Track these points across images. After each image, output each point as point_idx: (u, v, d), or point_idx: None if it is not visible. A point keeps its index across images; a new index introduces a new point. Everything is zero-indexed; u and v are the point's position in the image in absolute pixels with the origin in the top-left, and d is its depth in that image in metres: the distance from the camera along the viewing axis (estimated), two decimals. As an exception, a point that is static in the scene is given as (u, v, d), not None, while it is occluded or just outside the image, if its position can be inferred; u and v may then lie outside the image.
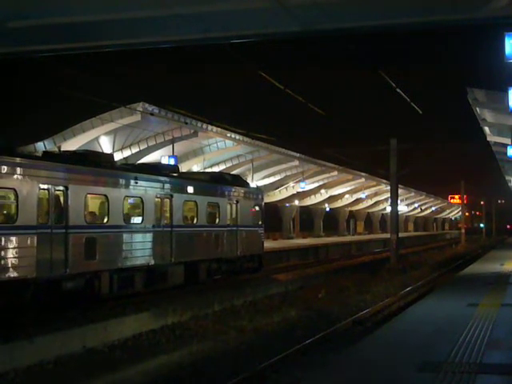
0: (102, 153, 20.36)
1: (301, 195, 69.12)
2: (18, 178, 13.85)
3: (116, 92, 32.48)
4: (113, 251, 16.76)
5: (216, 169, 48.78)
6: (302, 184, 60.11)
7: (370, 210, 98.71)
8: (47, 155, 16.99)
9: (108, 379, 11.14)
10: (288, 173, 60.48)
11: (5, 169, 13.58)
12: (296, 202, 70.91)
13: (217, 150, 46.94)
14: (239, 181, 25.47)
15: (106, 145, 40.67)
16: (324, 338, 14.25)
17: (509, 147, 28.69)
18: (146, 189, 18.26)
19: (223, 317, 16.73)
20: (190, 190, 20.56)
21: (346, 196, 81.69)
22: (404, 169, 39.16)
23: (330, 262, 39.16)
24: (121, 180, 17.33)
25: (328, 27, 11.20)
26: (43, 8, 10.82)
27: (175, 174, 21.16)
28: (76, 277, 15.49)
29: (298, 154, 55.35)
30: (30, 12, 10.92)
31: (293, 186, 63.64)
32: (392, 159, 36.06)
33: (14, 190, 13.78)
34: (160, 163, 22.98)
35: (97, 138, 39.26)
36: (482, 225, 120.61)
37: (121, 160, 40.84)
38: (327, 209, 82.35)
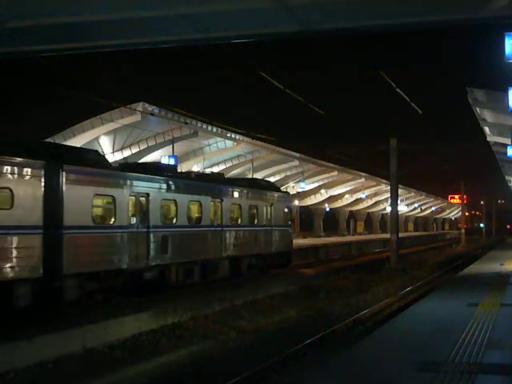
0: (168, 164, 25.26)
1: (301, 195, 69.15)
2: (115, 187, 16.74)
3: (116, 92, 32.50)
4: (179, 247, 19.49)
5: (216, 169, 48.79)
6: (302, 184, 60.15)
7: (370, 210, 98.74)
8: (125, 167, 19.48)
9: (108, 379, 11.13)
10: (288, 173, 60.49)
11: (107, 179, 16.55)
12: (296, 202, 70.93)
13: (217, 150, 46.97)
14: (272, 186, 29.02)
15: (106, 145, 40.70)
16: (324, 337, 14.26)
17: (509, 147, 28.70)
18: (204, 194, 21.20)
19: (223, 317, 16.72)
20: (236, 194, 23.53)
21: (346, 196, 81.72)
22: (404, 169, 39.16)
23: (330, 262, 39.15)
24: (185, 187, 20.20)
25: (328, 27, 11.20)
26: (43, 8, 10.81)
27: (222, 181, 24.14)
28: (154, 268, 18.25)
29: (298, 154, 55.36)
30: (30, 12, 10.91)
31: (293, 186, 63.66)
32: (392, 159, 36.06)
33: (113, 197, 16.60)
34: (212, 173, 27.14)
35: (97, 138, 39.31)
36: (481, 225, 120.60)
37: (121, 160, 40.90)
38: (327, 209, 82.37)
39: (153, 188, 18.26)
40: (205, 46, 17.33)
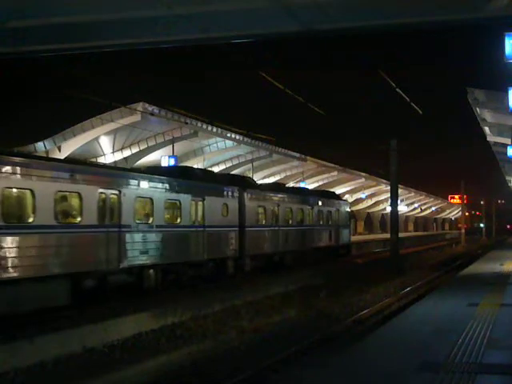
0: (283, 183, 37.30)
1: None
2: (265, 201, 26.50)
3: (116, 92, 32.48)
4: (290, 240, 28.75)
5: (216, 169, 48.77)
6: (302, 184, 60.07)
7: (370, 210, 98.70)
8: (267, 186, 30.30)
9: (108, 379, 11.12)
10: (288, 173, 60.47)
11: (262, 196, 26.17)
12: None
13: (217, 150, 46.94)
14: (336, 195, 39.87)
15: (106, 145, 40.68)
16: (324, 337, 14.25)
17: (509, 147, 28.70)
18: (297, 203, 30.11)
19: (223, 317, 16.72)
20: (320, 203, 32.81)
21: (346, 196, 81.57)
22: (404, 169, 39.20)
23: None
24: (288, 198, 29.36)
25: (328, 27, 11.19)
26: (43, 8, 10.82)
27: (310, 193, 34.57)
28: (279, 253, 27.56)
29: (298, 154, 55.33)
30: (30, 12, 10.91)
31: (293, 187, 63.54)
32: (392, 159, 36.00)
33: (264, 207, 26.26)
34: (299, 187, 40.26)
35: (97, 138, 39.27)
36: (481, 225, 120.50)
37: (121, 160, 40.96)
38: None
39: (281, 200, 27.96)
40: (205, 46, 17.34)
